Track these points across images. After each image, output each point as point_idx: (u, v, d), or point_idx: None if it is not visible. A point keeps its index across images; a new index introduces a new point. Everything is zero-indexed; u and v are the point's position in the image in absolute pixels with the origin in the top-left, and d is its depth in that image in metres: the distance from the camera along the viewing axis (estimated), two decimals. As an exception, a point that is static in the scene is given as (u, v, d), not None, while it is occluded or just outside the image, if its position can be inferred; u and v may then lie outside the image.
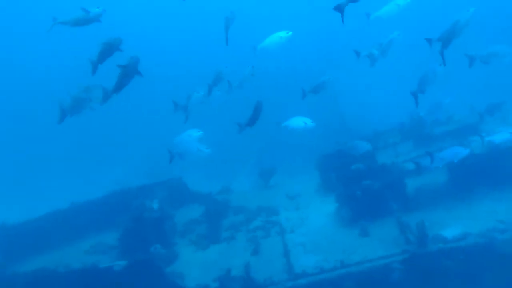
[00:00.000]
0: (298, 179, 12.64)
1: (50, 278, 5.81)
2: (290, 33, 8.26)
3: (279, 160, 16.88)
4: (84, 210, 9.28)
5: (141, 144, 25.40)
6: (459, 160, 7.06)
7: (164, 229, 8.19)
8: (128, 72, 5.14)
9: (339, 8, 5.88)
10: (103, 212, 9.18)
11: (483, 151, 8.20)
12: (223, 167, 20.82)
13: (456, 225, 7.04)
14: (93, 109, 6.99)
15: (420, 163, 7.60)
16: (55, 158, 25.18)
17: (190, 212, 10.68)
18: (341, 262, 6.67)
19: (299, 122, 8.53)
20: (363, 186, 8.31)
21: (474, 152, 7.88)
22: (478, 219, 7.14)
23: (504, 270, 6.08)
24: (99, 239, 8.84)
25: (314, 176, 12.01)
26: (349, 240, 7.57)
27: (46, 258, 7.88)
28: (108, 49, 5.51)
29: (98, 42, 5.75)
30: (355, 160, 9.70)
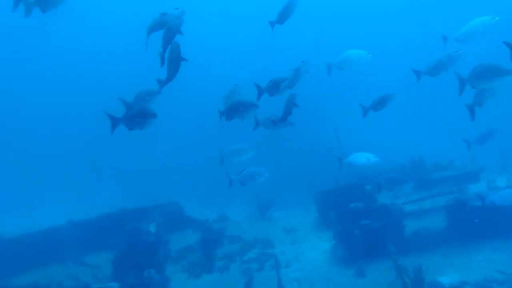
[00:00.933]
0: (295, 213, 12.60)
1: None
2: (370, 55, 6.76)
3: (277, 191, 16.85)
4: (80, 229, 9.16)
5: (137, 166, 25.47)
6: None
7: (158, 253, 8.04)
8: (173, 58, 4.72)
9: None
10: (98, 231, 9.06)
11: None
12: (218, 193, 20.76)
13: (454, 273, 6.93)
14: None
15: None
16: (54, 173, 25.17)
17: (185, 238, 10.55)
18: (336, 302, 6.53)
19: (362, 158, 7.66)
20: (361, 226, 8.25)
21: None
22: (476, 268, 7.04)
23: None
24: (92, 259, 8.68)
25: (311, 210, 11.97)
26: (345, 280, 7.43)
27: (40, 273, 7.71)
28: (171, 34, 4.86)
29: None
30: (354, 198, 9.71)
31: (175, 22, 4.95)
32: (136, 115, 5.06)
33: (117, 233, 9.42)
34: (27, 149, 28.60)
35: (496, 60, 5.42)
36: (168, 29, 4.85)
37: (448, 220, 8.57)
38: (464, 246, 7.86)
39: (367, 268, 7.60)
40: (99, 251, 9.09)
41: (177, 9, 5.14)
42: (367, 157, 7.35)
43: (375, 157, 7.34)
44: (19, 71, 35.48)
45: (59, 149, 28.38)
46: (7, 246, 8.27)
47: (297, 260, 8.69)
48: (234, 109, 5.74)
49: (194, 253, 9.43)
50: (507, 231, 7.81)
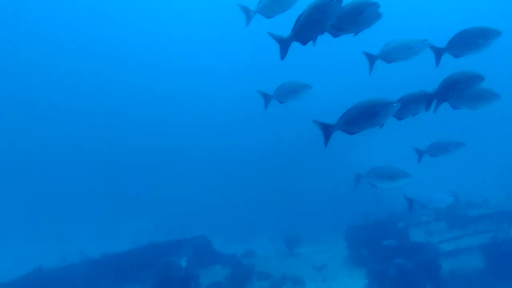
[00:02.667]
0: (323, 248, 12.37)
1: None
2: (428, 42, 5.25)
3: (303, 225, 16.62)
4: (112, 261, 9.29)
5: (164, 199, 25.75)
6: None
7: (190, 289, 8.01)
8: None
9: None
10: (129, 265, 9.14)
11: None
12: (243, 227, 20.62)
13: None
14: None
15: None
16: (84, 205, 25.73)
17: (213, 273, 10.46)
18: None
19: (436, 197, 7.31)
20: (396, 264, 8.01)
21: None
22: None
23: None
24: (125, 293, 8.74)
25: (340, 246, 11.74)
26: (380, 322, 7.17)
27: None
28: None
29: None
30: (387, 235, 9.52)
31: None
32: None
33: (147, 267, 9.49)
34: (50, 178, 29.35)
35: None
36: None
37: (486, 260, 8.24)
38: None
39: (404, 309, 7.33)
40: (130, 285, 9.14)
41: None
42: (441, 197, 6.72)
43: (450, 196, 6.53)
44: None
45: (81, 179, 29.08)
46: (44, 277, 8.43)
47: (329, 299, 8.46)
48: (287, 91, 5.38)
49: (224, 289, 9.33)
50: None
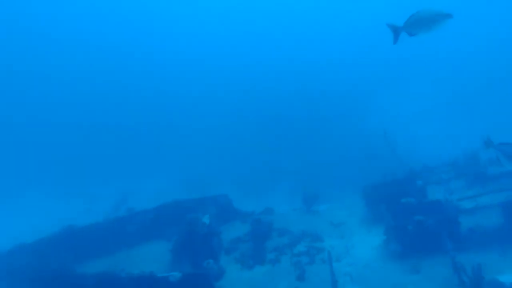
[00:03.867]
0: (340, 206, 12.47)
1: (114, 281, 6.08)
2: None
3: (321, 183, 16.74)
4: (139, 218, 9.65)
5: (183, 159, 26.14)
6: None
7: (213, 244, 8.30)
8: None
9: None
10: (156, 222, 9.49)
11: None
12: (261, 186, 20.93)
13: (514, 272, 6.67)
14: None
15: None
16: (106, 164, 26.37)
17: (234, 229, 10.78)
18: (391, 298, 6.46)
19: None
20: (415, 221, 8.08)
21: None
22: (539, 268, 6.73)
23: None
24: (152, 248, 9.12)
25: (357, 204, 11.83)
26: (399, 276, 7.31)
27: (104, 262, 8.20)
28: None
29: None
30: (406, 193, 9.52)
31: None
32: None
33: (172, 224, 9.84)
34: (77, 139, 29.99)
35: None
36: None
37: (505, 218, 8.21)
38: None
39: (422, 264, 7.46)
40: (156, 241, 9.54)
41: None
42: None
43: None
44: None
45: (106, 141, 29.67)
46: (76, 236, 8.85)
47: (347, 254, 8.64)
48: (420, 21, 5.08)
49: (245, 245, 9.63)
50: None
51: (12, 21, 37.50)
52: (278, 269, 8.31)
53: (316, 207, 12.49)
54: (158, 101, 34.53)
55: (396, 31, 5.45)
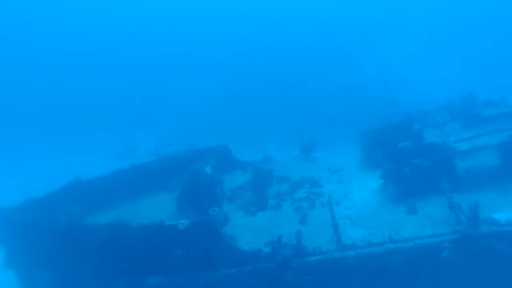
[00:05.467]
0: (337, 152, 12.59)
1: (126, 231, 6.23)
2: None
3: (317, 130, 16.79)
4: (142, 171, 9.73)
5: (177, 109, 25.92)
6: None
7: (216, 193, 8.44)
8: None
9: None
10: (159, 173, 9.57)
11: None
12: (258, 135, 21.01)
13: (509, 210, 6.89)
14: None
15: None
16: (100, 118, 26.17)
17: (235, 178, 10.94)
18: (390, 237, 6.68)
19: None
20: (412, 164, 8.19)
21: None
22: (533, 205, 6.94)
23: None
24: (156, 199, 9.27)
25: (353, 150, 11.96)
26: (396, 217, 7.53)
27: (115, 213, 8.34)
28: None
29: None
30: (402, 138, 9.58)
31: None
32: None
33: (174, 175, 9.93)
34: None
35: None
36: None
37: (501, 158, 8.34)
38: (517, 183, 7.71)
39: (419, 205, 7.67)
40: (160, 192, 9.68)
41: None
42: None
43: None
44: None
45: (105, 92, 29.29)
46: (82, 188, 8.93)
47: (346, 198, 8.84)
48: None
49: (246, 193, 9.80)
50: None
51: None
52: (280, 214, 8.52)
53: (313, 154, 12.59)
54: (153, 57, 33.72)
55: None
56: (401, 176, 8.22)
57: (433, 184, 7.93)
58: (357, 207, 8.30)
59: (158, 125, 23.56)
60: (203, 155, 9.98)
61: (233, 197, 9.59)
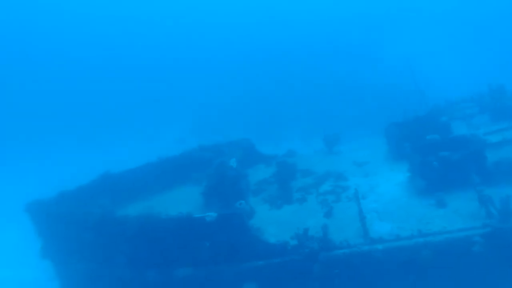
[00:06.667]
0: (362, 145, 12.48)
1: (155, 223, 6.41)
2: None
3: (341, 123, 16.65)
4: (168, 165, 9.94)
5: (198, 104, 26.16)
6: None
7: (241, 186, 8.53)
8: None
9: None
10: (184, 167, 9.75)
11: None
12: (281, 129, 20.98)
13: (543, 203, 6.69)
14: None
15: None
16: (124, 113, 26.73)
17: (259, 172, 11.01)
18: (419, 231, 6.61)
19: None
20: (441, 157, 8.06)
21: None
22: None
23: None
24: (183, 192, 9.46)
25: (378, 143, 11.80)
26: (425, 210, 7.43)
27: (143, 205, 8.56)
28: None
29: None
30: (430, 130, 9.42)
31: None
32: None
33: (199, 168, 10.08)
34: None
35: None
36: None
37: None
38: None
39: (448, 199, 7.55)
40: (186, 185, 9.86)
41: None
42: None
43: None
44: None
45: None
46: (115, 181, 9.21)
47: (372, 191, 8.77)
48: None
49: (271, 186, 9.85)
50: None
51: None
52: (305, 208, 8.54)
53: (337, 147, 12.52)
54: (171, 52, 34.08)
55: None
56: (430, 169, 8.10)
57: (463, 177, 7.77)
58: (384, 201, 8.23)
59: (179, 120, 23.85)
60: (227, 148, 10.09)
61: (258, 190, 9.66)
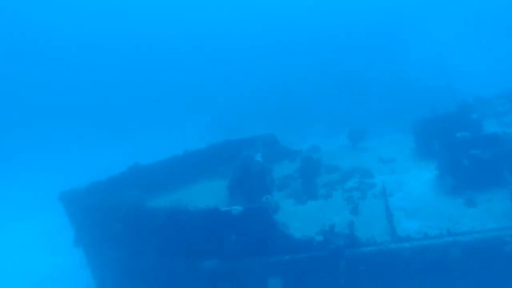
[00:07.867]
0: (388, 142, 12.28)
1: (183, 215, 6.54)
2: None
3: (367, 119, 16.41)
4: (194, 158, 10.09)
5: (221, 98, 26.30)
6: None
7: (266, 181, 8.57)
8: None
9: None
10: (209, 160, 9.88)
11: None
12: (305, 124, 20.85)
13: None
14: None
15: None
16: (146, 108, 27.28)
17: (283, 167, 11.00)
18: (448, 230, 6.49)
19: None
20: (471, 155, 7.86)
21: None
22: None
23: None
24: (208, 185, 9.59)
25: (405, 140, 11.59)
26: (454, 209, 7.28)
27: (171, 197, 8.74)
28: None
29: None
30: (459, 127, 9.20)
31: None
32: None
33: (224, 162, 10.17)
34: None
35: None
36: None
37: None
38: None
39: (478, 198, 7.37)
40: (211, 178, 9.97)
41: None
42: None
43: None
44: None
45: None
46: (144, 173, 9.44)
47: (399, 189, 8.62)
48: None
49: (295, 181, 9.85)
50: None
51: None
52: (331, 204, 8.50)
53: (363, 144, 12.36)
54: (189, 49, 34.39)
55: None
56: (459, 167, 7.92)
57: (494, 176, 7.57)
58: (412, 198, 8.09)
59: (206, 114, 24.09)
60: (251, 143, 10.14)
61: (283, 185, 9.67)
